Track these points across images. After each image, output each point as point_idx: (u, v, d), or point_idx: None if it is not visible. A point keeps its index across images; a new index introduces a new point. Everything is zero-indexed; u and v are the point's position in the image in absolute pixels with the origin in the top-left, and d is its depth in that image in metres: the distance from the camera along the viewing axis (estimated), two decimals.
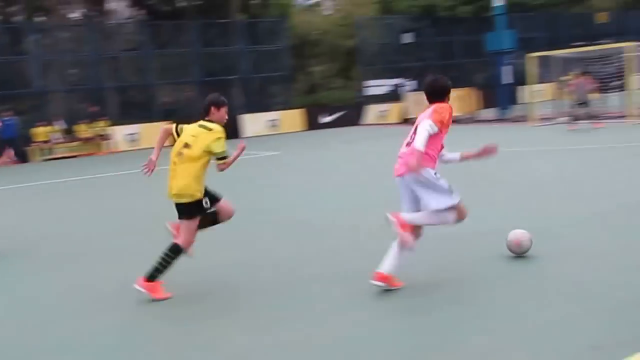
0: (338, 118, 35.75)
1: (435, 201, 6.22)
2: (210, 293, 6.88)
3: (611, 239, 7.68)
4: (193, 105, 35.12)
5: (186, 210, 6.74)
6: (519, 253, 7.18)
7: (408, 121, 33.40)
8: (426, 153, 6.09)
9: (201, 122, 6.95)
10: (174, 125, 7.01)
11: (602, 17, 43.82)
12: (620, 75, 25.86)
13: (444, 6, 44.82)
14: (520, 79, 31.99)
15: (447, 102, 6.38)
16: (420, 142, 5.99)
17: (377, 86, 38.85)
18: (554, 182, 12.21)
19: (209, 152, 6.75)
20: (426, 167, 6.13)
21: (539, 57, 27.66)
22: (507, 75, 30.80)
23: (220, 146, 6.79)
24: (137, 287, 6.67)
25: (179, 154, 6.75)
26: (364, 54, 40.15)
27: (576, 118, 22.17)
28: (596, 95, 23.50)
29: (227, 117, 7.12)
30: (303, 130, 34.45)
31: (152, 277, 6.66)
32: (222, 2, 39.11)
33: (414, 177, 6.19)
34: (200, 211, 6.79)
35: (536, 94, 28.81)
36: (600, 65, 29.99)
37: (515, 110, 30.51)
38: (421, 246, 6.57)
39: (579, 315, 5.42)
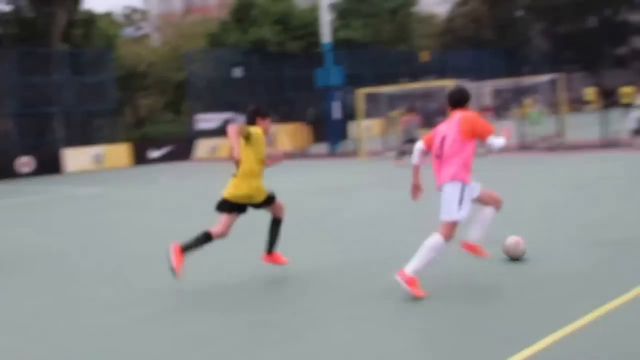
0: (167, 153, 35.05)
1: (445, 213, 6.90)
2: None
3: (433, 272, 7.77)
4: (9, 138, 33.22)
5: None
6: (517, 256, 8.03)
7: None
8: (464, 164, 6.88)
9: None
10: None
11: (424, 56, 46.01)
12: (444, 110, 27.03)
13: (274, 41, 45.41)
14: (350, 115, 32.75)
15: (468, 110, 7.17)
16: (497, 141, 6.98)
17: (208, 120, 38.54)
18: (375, 217, 12.40)
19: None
20: (459, 180, 6.86)
21: (367, 93, 28.45)
22: (336, 110, 31.43)
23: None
24: (171, 247, 7.48)
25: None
26: (194, 87, 39.75)
27: (403, 153, 22.87)
28: (423, 131, 24.44)
29: (270, 126, 8.07)
30: (130, 166, 33.41)
31: (185, 248, 7.55)
32: (42, 30, 37.42)
33: (443, 187, 6.95)
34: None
35: (365, 130, 29.57)
36: (425, 102, 31.32)
37: (345, 146, 31.14)
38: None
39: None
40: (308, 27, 45.82)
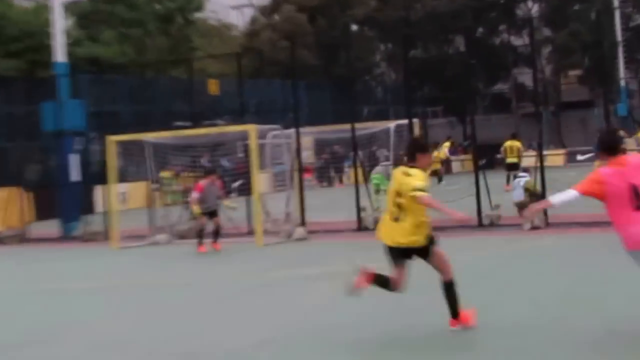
0: None
1: None
2: None
3: None
4: None
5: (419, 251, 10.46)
6: None
7: None
8: None
9: (404, 169, 10.42)
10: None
11: (213, 87, 46.12)
12: (243, 171, 27.13)
13: None
14: (96, 176, 32.16)
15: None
16: None
17: None
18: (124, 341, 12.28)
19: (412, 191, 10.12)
20: None
21: (124, 142, 28.04)
22: (75, 169, 30.76)
23: (419, 182, 10.05)
24: (454, 328, 10.63)
25: (397, 205, 10.29)
26: None
27: (183, 236, 22.62)
28: (227, 202, 23.92)
29: (432, 161, 11.27)
30: None
31: (455, 314, 10.60)
32: None
33: None
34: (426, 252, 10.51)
35: (122, 198, 29.12)
36: (214, 157, 31.40)
37: (89, 224, 30.42)
38: None
39: None
40: (31, 38, 45.19)
